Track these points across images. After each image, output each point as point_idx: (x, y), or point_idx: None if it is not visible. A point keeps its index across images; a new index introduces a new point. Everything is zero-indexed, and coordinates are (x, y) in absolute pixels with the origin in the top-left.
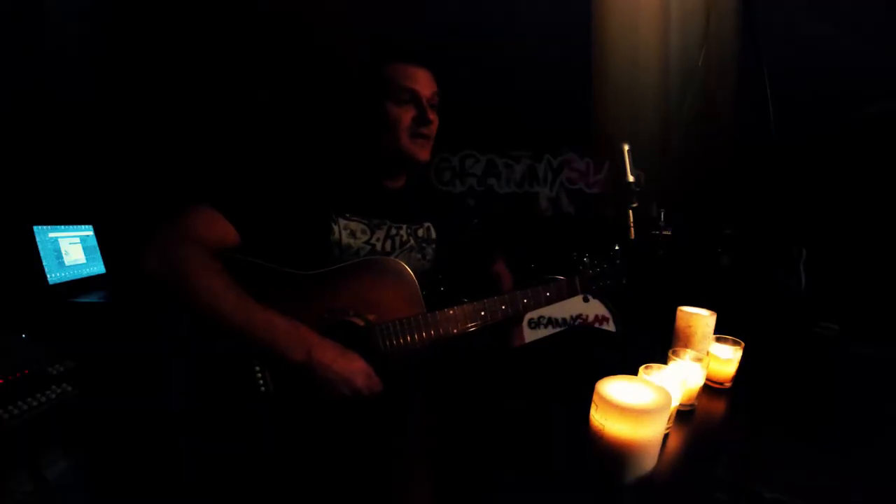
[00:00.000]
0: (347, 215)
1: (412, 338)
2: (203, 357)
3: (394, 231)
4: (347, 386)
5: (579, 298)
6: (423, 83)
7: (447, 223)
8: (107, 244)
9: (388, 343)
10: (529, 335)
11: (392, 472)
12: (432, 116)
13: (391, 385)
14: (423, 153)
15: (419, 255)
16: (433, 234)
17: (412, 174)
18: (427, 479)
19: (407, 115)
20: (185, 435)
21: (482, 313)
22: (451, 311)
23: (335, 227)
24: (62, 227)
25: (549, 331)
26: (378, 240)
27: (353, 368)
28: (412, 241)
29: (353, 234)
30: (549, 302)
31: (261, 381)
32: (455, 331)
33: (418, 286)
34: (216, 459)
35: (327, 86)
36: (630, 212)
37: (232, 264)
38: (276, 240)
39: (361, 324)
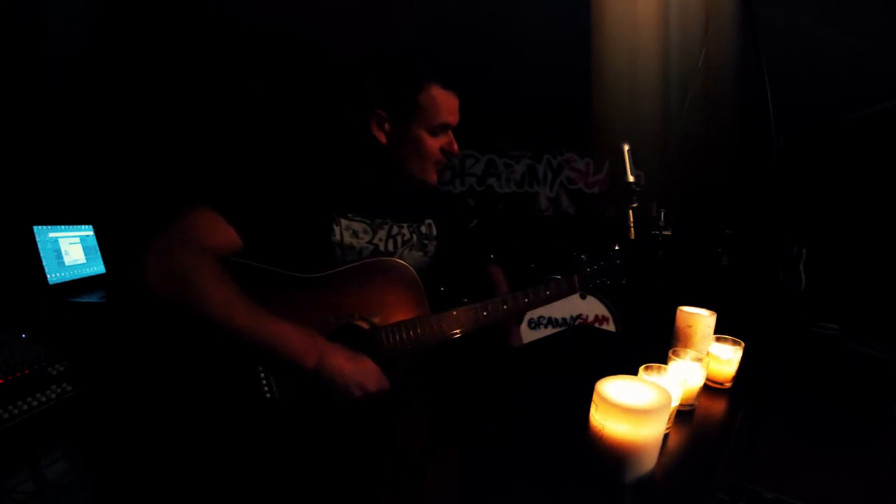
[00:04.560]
0: (349, 215)
1: (417, 339)
2: (207, 363)
3: (395, 230)
4: (359, 389)
5: (580, 298)
6: (456, 114)
7: (448, 219)
8: (107, 244)
9: (392, 345)
10: (529, 335)
11: (394, 472)
12: (456, 147)
13: (396, 386)
14: (436, 177)
15: (420, 253)
16: (434, 231)
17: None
18: (427, 479)
19: (438, 145)
20: (188, 440)
21: (484, 313)
22: (454, 312)
23: (336, 228)
24: (62, 227)
25: (549, 331)
26: (381, 240)
27: (365, 372)
28: (414, 239)
29: (355, 234)
30: (550, 300)
31: (265, 388)
32: (459, 331)
33: (422, 287)
34: (218, 462)
35: (331, 91)
36: (630, 212)
37: (234, 268)
38: (277, 242)
39: (366, 327)
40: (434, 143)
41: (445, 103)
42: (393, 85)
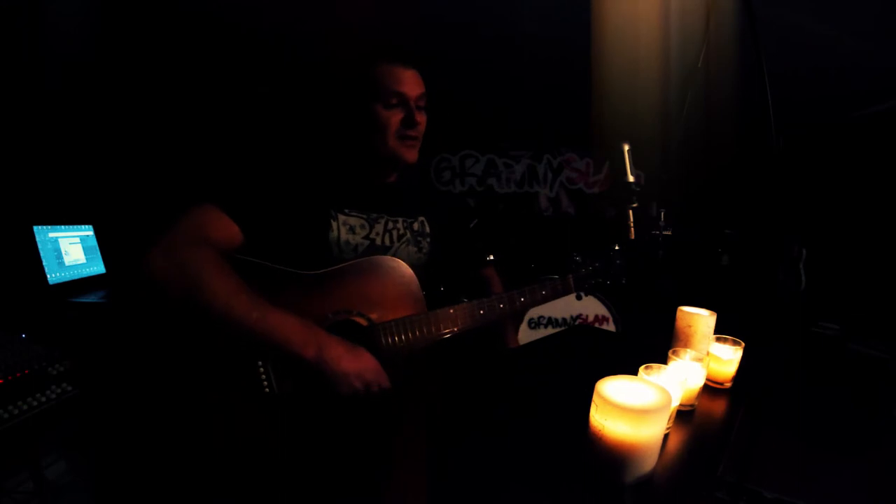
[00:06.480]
0: (346, 211)
1: (413, 336)
2: (207, 361)
3: (391, 225)
4: (359, 381)
5: (576, 298)
6: (411, 85)
7: (441, 218)
8: (107, 244)
9: (390, 341)
10: (529, 335)
11: (390, 471)
12: (419, 118)
13: (393, 383)
14: (411, 154)
15: (415, 249)
16: (427, 228)
17: (404, 170)
18: (426, 478)
19: (395, 118)
20: (188, 438)
21: (481, 312)
22: (451, 310)
23: (334, 224)
24: (62, 227)
25: (549, 331)
26: (377, 234)
27: (363, 364)
28: (408, 235)
29: (352, 229)
30: (546, 300)
31: (265, 382)
32: (456, 329)
33: (419, 284)
34: (217, 460)
35: (323, 86)
36: (630, 212)
37: (234, 265)
38: (277, 238)
39: (364, 323)
40: (390, 115)
41: (393, 75)
42: (346, 72)
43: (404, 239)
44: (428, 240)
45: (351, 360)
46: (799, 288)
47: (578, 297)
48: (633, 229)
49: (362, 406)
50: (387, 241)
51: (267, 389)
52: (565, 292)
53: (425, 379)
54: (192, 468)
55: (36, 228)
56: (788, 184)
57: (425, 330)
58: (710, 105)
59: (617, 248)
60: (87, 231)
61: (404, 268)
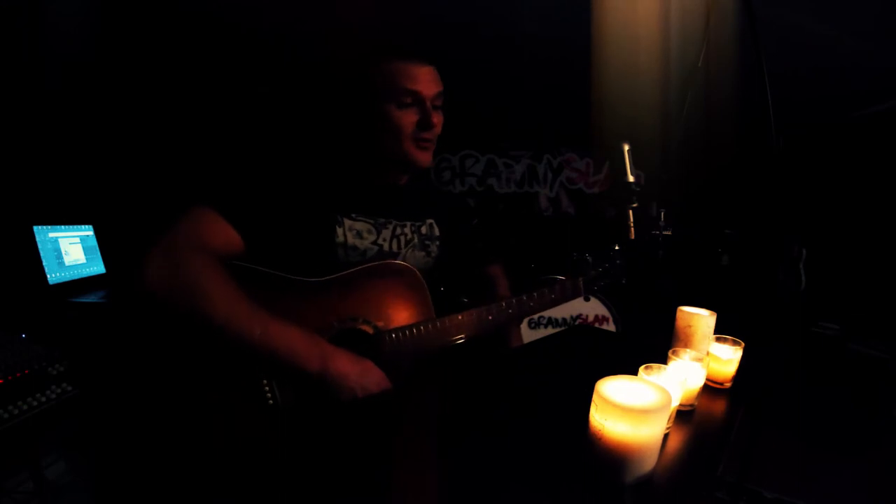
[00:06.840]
0: (353, 215)
1: (420, 344)
2: (209, 366)
3: (399, 230)
4: (363, 392)
5: (580, 298)
6: (426, 83)
7: (449, 220)
8: (107, 244)
9: (396, 349)
10: (529, 335)
11: (392, 474)
12: (436, 119)
13: (399, 389)
14: (426, 157)
15: (423, 253)
16: (436, 231)
17: (414, 174)
18: (427, 480)
19: (410, 120)
20: (189, 442)
21: (489, 317)
22: (459, 317)
23: (340, 229)
24: (62, 227)
25: (549, 331)
26: (385, 240)
27: (368, 375)
28: (416, 239)
29: (359, 234)
30: (555, 304)
31: (268, 394)
32: (463, 335)
33: (427, 290)
34: (218, 465)
35: (328, 86)
36: (630, 212)
37: (237, 272)
38: (279, 244)
39: (370, 331)
40: (403, 116)
41: (407, 72)
42: (354, 71)
43: (412, 244)
44: (437, 243)
45: (356, 373)
46: (799, 288)
47: (586, 299)
48: (633, 229)
49: (366, 413)
50: (394, 247)
51: (271, 401)
52: (574, 296)
53: (426, 379)
54: (192, 469)
55: (36, 228)
56: (788, 184)
57: (432, 337)
58: (710, 105)
59: (617, 248)
60: (87, 231)
61: (412, 273)
